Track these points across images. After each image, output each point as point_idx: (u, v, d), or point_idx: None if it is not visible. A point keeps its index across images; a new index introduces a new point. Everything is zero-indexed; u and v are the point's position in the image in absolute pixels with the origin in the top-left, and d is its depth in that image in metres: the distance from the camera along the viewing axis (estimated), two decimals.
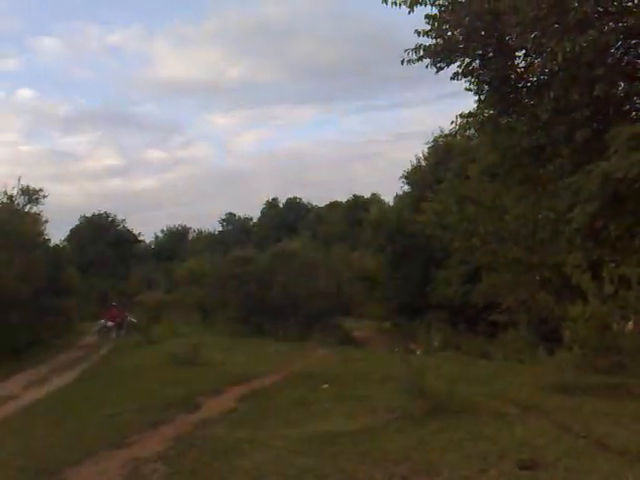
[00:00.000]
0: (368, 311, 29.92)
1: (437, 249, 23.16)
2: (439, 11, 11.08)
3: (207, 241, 62.43)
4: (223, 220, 70.65)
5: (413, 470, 6.07)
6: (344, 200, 57.16)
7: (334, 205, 58.72)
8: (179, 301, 34.75)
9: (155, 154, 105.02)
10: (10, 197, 31.69)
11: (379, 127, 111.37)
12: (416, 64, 11.30)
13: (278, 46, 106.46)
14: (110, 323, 29.80)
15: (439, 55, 11.33)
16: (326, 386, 11.29)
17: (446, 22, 11.10)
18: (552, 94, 10.39)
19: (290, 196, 68.79)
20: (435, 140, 27.83)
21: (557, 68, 10.08)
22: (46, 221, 33.91)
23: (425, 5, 11.00)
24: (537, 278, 14.30)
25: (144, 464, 7.09)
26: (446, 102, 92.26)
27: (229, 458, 6.97)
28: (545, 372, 12.39)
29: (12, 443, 8.70)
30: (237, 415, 9.67)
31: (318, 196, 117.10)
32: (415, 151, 53.30)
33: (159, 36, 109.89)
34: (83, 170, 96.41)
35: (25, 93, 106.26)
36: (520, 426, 7.18)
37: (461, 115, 12.52)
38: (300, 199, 68.09)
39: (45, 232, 34.30)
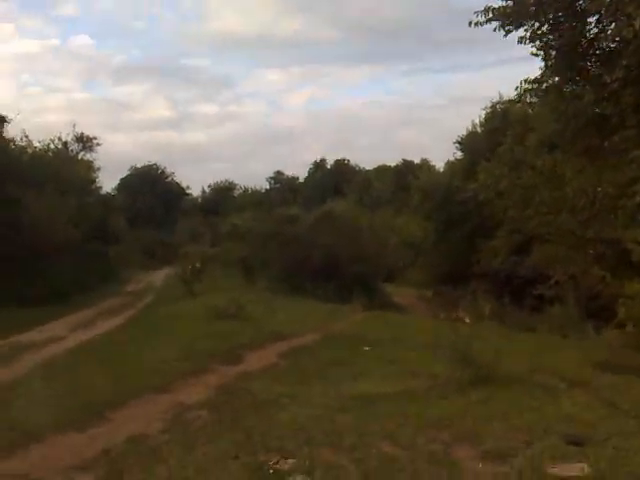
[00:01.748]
0: (410, 277, 29.71)
1: (487, 218, 22.72)
2: None
3: (253, 198, 62.70)
4: (271, 178, 70.81)
5: (456, 437, 5.99)
6: (393, 164, 56.50)
7: (382, 169, 58.03)
8: (222, 256, 35.06)
9: (206, 108, 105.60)
10: (64, 143, 32.45)
11: (433, 91, 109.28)
12: (483, 26, 10.88)
13: (332, 2, 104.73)
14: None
15: (508, 18, 10.84)
16: (367, 348, 11.24)
17: None
18: (624, 62, 9.85)
19: (338, 158, 68.44)
20: (493, 106, 27.04)
21: (632, 35, 9.50)
22: (98, 169, 34.68)
23: None
24: (591, 252, 13.86)
25: (188, 410, 7.20)
26: (504, 68, 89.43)
27: (270, 411, 7.01)
28: (593, 348, 12.10)
29: (59, 383, 8.90)
30: (277, 370, 9.73)
31: (366, 159, 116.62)
32: (470, 117, 52.06)
33: None
34: (135, 120, 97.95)
35: (81, 40, 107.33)
36: (567, 401, 7.01)
37: (526, 81, 12.07)
38: (348, 161, 67.70)
39: (97, 180, 35.07)
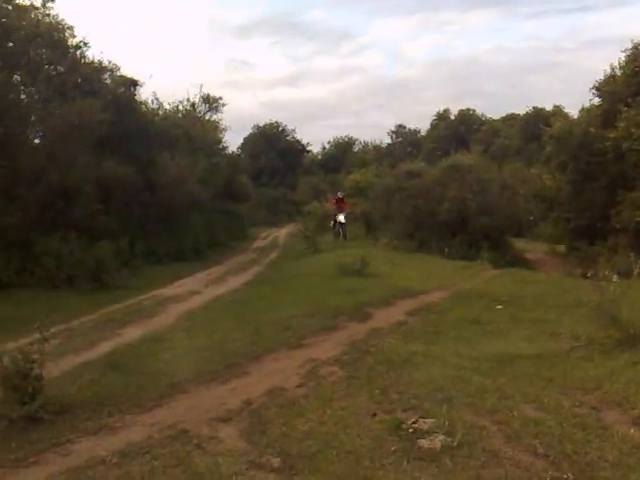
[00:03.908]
0: (541, 232, 28.33)
1: (628, 168, 21.04)
2: None
3: (374, 153, 62.24)
4: (392, 132, 69.95)
5: (604, 401, 5.67)
6: (522, 113, 53.51)
7: (510, 118, 55.24)
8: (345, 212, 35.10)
9: (325, 62, 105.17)
10: (193, 104, 33.67)
11: (564, 33, 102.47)
12: None
13: None
14: (342, 216, 26.37)
15: None
16: (500, 307, 10.85)
17: None
18: None
19: (462, 107, 66.04)
20: (634, 47, 24.69)
21: None
22: (224, 129, 35.72)
23: None
24: None
25: (321, 366, 7.30)
26: None
27: (404, 369, 6.94)
28: None
29: (199, 336, 9.37)
30: (408, 328, 9.59)
31: (493, 108, 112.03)
32: (607, 59, 48.14)
33: None
34: (255, 78, 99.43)
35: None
36: None
37: None
38: (473, 111, 65.00)
39: (224, 139, 36.18)
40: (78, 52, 19.03)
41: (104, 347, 8.71)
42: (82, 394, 6.55)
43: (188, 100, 33.31)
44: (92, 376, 7.17)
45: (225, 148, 37.25)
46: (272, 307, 11.71)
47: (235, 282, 16.46)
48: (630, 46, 24.37)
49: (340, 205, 26.40)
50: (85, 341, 9.11)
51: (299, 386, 6.61)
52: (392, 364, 7.15)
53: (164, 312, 11.72)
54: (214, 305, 12.60)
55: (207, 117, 34.56)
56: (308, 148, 67.15)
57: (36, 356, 6.07)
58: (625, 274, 14.05)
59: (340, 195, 27.07)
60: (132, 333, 9.70)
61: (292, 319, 10.23)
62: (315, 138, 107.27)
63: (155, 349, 8.56)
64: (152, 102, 27.41)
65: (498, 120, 58.22)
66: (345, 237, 25.83)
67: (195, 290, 14.74)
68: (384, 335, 8.99)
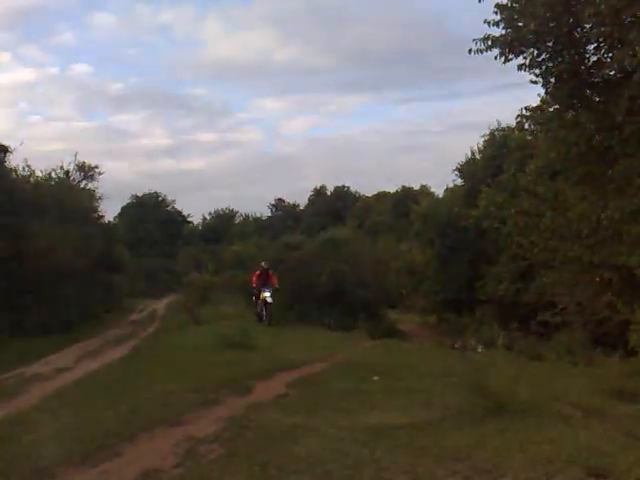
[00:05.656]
0: (413, 304, 29.68)
1: (489, 244, 22.81)
2: (510, 0, 10.81)
3: (255, 225, 62.91)
4: (273, 205, 71.17)
5: (475, 469, 5.91)
6: (392, 191, 56.78)
7: (382, 195, 58.37)
8: (225, 283, 35.01)
9: (204, 136, 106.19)
10: (66, 172, 32.64)
11: (430, 118, 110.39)
12: (483, 54, 11.06)
13: (328, 31, 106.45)
14: (268, 294, 20.86)
15: (509, 46, 11.05)
16: (377, 378, 11.16)
17: (518, 12, 10.82)
18: (628, 94, 9.94)
19: (338, 184, 68.75)
20: (491, 133, 27.26)
21: (636, 63, 9.59)
22: (100, 198, 34.78)
23: None
24: (597, 279, 13.86)
25: (200, 444, 7.10)
26: (503, 94, 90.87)
27: (284, 443, 6.91)
28: (603, 376, 12.00)
29: (68, 416, 8.82)
30: (288, 401, 9.62)
31: (366, 185, 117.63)
32: (467, 143, 52.79)
33: (210, 17, 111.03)
34: (134, 148, 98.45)
35: (80, 68, 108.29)
36: (585, 431, 6.91)
37: (526, 108, 12.25)
38: (348, 188, 67.94)
39: (99, 208, 35.14)
40: None
41: None
42: None
43: (62, 168, 32.32)
44: None
45: (101, 217, 36.13)
46: (149, 382, 11.29)
47: (110, 357, 15.76)
48: (487, 132, 26.89)
49: (265, 279, 21.00)
50: None
51: (176, 466, 6.37)
52: (272, 439, 7.11)
53: (28, 392, 10.96)
54: (85, 382, 11.96)
55: (82, 185, 33.55)
56: (188, 219, 66.73)
57: None
58: (490, 344, 15.02)
59: (265, 265, 21.35)
60: None
61: (170, 395, 9.93)
62: (195, 209, 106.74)
63: (17, 432, 7.95)
64: (23, 169, 26.26)
65: (371, 197, 61.22)
66: (271, 321, 20.94)
67: (65, 366, 13.94)
68: (264, 409, 8.94)
